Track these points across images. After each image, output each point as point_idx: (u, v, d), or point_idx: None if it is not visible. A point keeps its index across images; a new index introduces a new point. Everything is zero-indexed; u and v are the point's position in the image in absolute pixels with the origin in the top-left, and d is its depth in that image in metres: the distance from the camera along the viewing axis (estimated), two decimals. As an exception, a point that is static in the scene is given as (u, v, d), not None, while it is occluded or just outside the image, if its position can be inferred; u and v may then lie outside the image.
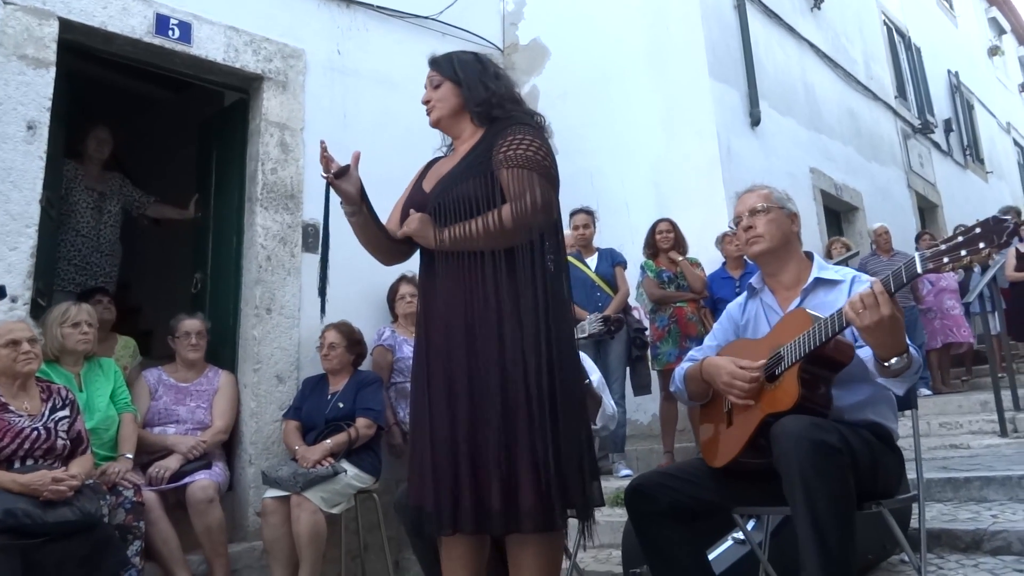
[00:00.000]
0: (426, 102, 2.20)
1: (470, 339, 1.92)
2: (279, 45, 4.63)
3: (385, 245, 2.16)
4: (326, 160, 2.04)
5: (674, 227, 5.19)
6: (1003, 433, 4.91)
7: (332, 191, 2.09)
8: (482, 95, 2.11)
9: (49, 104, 3.71)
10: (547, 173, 1.98)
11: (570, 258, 5.15)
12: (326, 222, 2.28)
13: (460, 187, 2.00)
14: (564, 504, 1.85)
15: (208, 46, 4.30)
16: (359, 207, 2.08)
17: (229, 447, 4.10)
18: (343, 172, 2.06)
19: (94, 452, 3.27)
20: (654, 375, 5.05)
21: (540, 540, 1.89)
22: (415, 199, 2.16)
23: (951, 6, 13.65)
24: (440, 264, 2.01)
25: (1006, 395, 5.14)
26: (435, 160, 2.28)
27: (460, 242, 1.95)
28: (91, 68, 4.85)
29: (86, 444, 3.14)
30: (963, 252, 1.61)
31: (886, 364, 1.85)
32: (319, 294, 2.31)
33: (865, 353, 1.94)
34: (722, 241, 5.33)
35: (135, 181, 5.02)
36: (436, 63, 2.21)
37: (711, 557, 2.48)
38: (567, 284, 2.07)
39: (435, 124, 2.22)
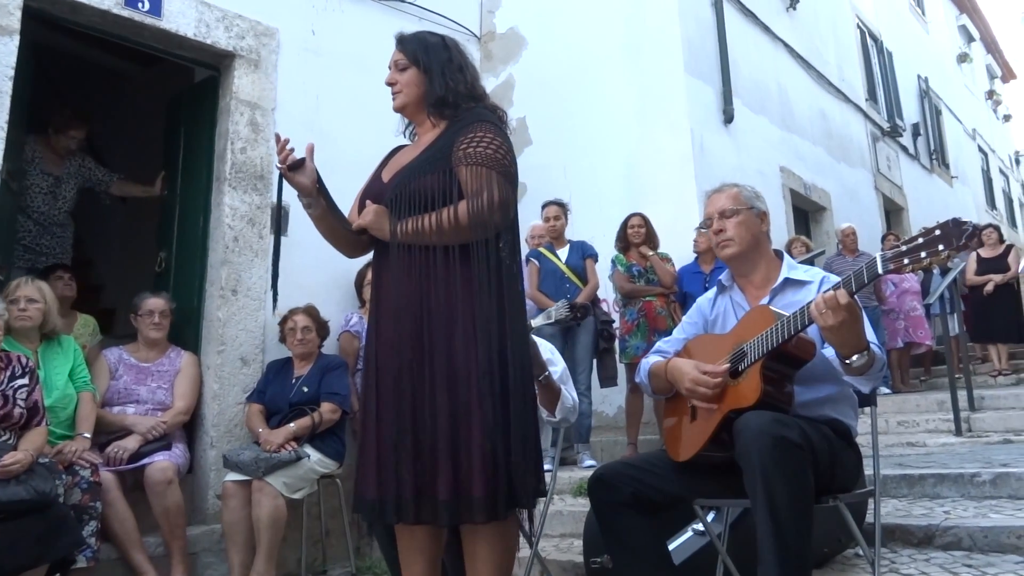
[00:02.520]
0: (391, 84, 2.14)
1: (420, 332, 1.91)
2: (252, 22, 4.55)
3: (345, 237, 2.14)
4: (284, 151, 2.03)
5: (646, 222, 5.23)
6: (958, 432, 5.04)
7: (286, 183, 2.08)
8: (438, 93, 2.07)
9: (12, 73, 3.60)
10: (506, 172, 1.96)
11: (541, 249, 5.17)
12: (279, 211, 2.26)
13: (418, 181, 1.98)
14: (511, 494, 1.86)
15: (179, 20, 4.21)
16: (316, 199, 2.07)
17: (191, 429, 4.04)
18: (298, 165, 2.04)
19: (51, 431, 3.21)
20: (621, 368, 5.09)
21: (493, 529, 1.90)
22: (373, 189, 2.13)
23: (923, 12, 13.86)
24: (394, 257, 1.98)
25: (962, 395, 5.26)
26: (398, 149, 2.24)
27: (415, 236, 1.93)
28: (59, 39, 4.73)
29: (42, 416, 3.08)
30: (923, 254, 1.64)
31: (848, 362, 1.88)
32: (271, 283, 2.27)
33: (830, 352, 1.97)
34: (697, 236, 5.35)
35: (101, 156, 4.91)
36: (403, 43, 2.15)
37: (671, 547, 2.51)
38: (521, 282, 2.07)
39: (399, 110, 2.18)
